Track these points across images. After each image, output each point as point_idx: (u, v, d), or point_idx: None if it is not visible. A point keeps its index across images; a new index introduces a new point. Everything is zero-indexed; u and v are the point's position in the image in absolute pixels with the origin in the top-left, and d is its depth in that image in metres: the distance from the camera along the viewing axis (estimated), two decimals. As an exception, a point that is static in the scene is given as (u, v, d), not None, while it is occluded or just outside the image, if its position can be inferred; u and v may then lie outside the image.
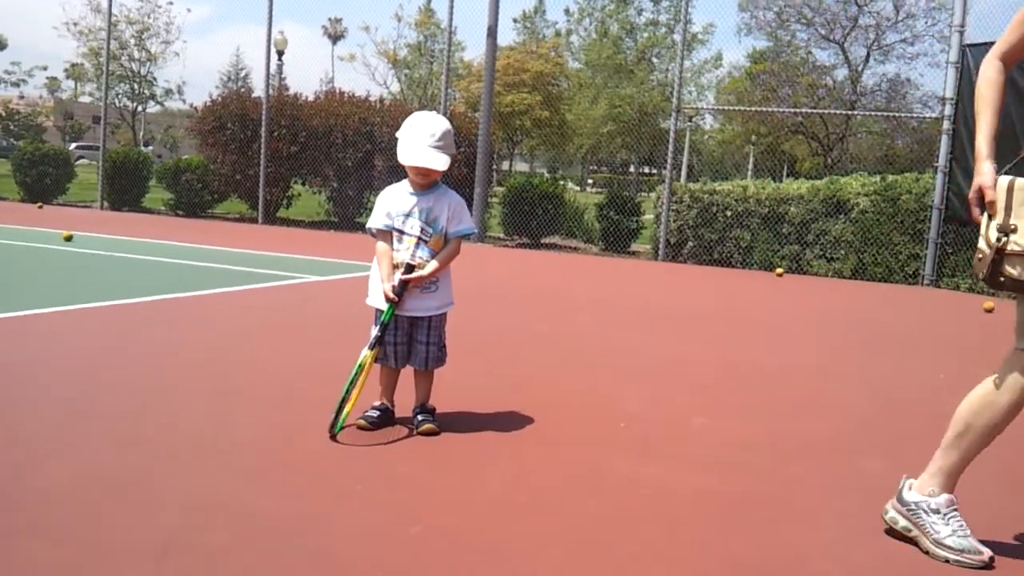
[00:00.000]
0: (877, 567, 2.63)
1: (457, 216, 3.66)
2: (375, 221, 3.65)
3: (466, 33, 72.11)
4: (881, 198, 11.16)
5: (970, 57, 10.66)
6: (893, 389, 5.15)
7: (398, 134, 3.59)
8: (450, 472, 3.20)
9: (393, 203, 3.62)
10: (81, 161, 32.09)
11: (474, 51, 41.45)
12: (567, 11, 44.00)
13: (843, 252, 11.37)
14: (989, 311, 8.68)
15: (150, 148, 41.85)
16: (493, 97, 14.75)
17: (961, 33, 10.90)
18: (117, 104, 35.63)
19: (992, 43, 2.90)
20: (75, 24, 34.77)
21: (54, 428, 3.40)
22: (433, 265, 3.57)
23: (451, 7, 14.21)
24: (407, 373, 3.74)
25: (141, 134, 44.42)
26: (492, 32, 14.23)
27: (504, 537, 2.66)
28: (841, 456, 3.74)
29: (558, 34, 45.98)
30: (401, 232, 3.59)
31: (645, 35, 40.64)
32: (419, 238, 3.58)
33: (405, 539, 2.59)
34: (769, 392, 4.89)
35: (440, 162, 3.50)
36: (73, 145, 45.63)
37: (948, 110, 10.97)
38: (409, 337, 3.65)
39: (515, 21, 47.90)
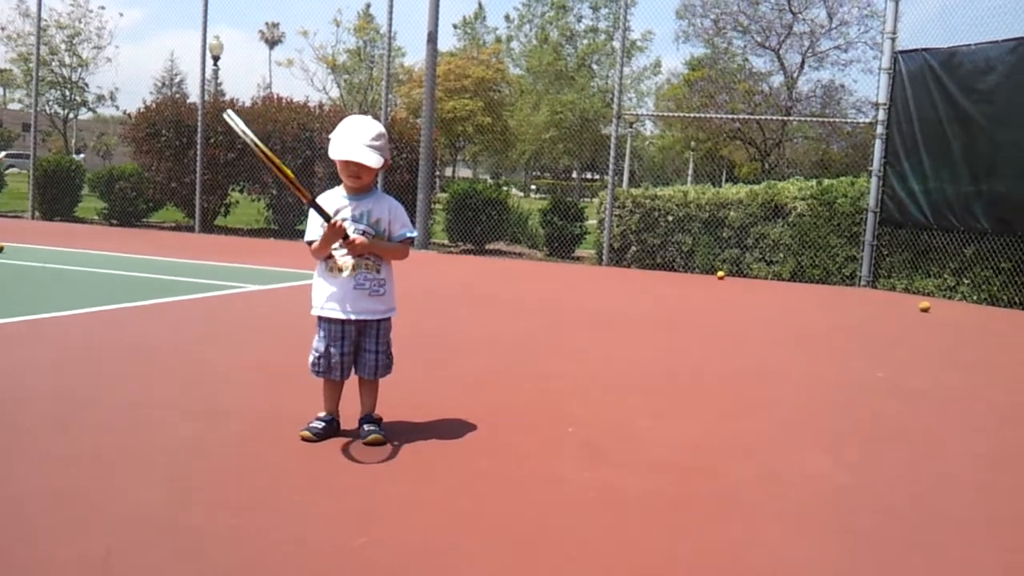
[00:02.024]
0: (816, 564, 2.64)
1: (399, 219, 3.60)
2: (312, 232, 3.54)
3: (406, 38, 71.59)
4: (818, 202, 11.35)
5: (902, 63, 10.89)
6: (832, 389, 5.22)
7: (331, 135, 3.50)
8: (396, 482, 3.15)
9: (327, 206, 3.48)
10: (11, 170, 31.20)
11: (414, 56, 41.47)
12: (507, 17, 44.28)
13: (782, 255, 11.53)
14: (925, 311, 8.87)
15: (82, 156, 40.89)
16: (435, 103, 14.69)
17: (893, 40, 11.13)
18: (48, 111, 34.77)
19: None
20: (3, 29, 33.94)
21: (-20, 445, 3.27)
22: (379, 242, 3.50)
23: (390, 12, 14.12)
24: (351, 384, 3.67)
25: (73, 141, 43.41)
26: (432, 38, 14.18)
27: (450, 545, 2.62)
28: (782, 455, 3.77)
29: (499, 40, 46.13)
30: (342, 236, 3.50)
31: (585, 42, 41.00)
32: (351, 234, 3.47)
33: (350, 551, 2.54)
34: (712, 393, 4.92)
35: (372, 159, 3.40)
36: (2, 154, 44.43)
37: (881, 115, 11.19)
38: (356, 347, 3.59)
39: (455, 27, 48.04)
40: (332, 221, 3.39)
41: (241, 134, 3.27)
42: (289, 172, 3.34)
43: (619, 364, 5.63)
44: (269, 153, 3.29)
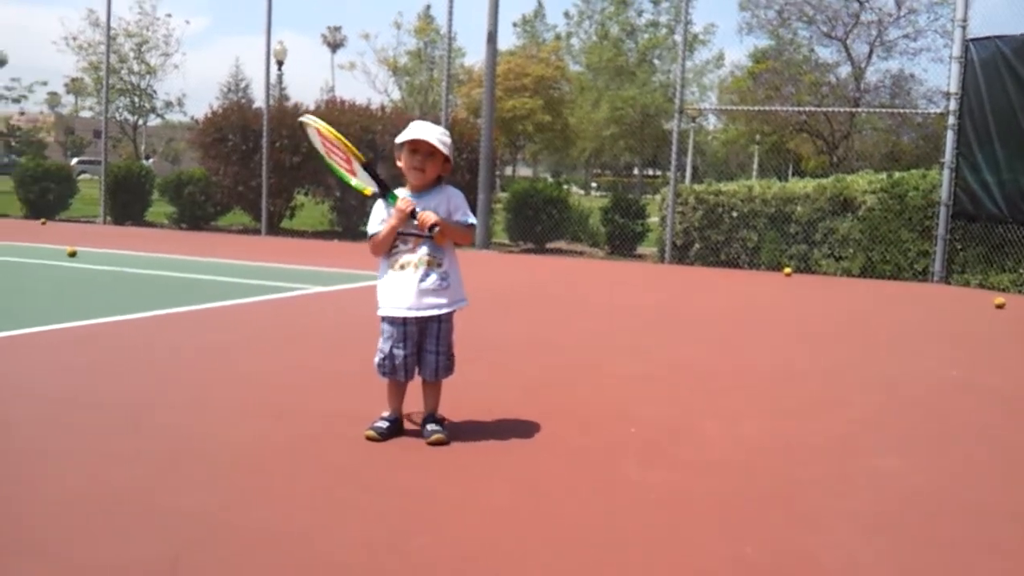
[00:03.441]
0: (886, 566, 2.57)
1: (459, 207, 3.62)
2: (373, 226, 3.60)
3: (466, 39, 72.28)
4: (888, 195, 11.08)
5: (973, 51, 10.58)
6: (904, 387, 5.08)
7: (398, 138, 3.56)
8: (458, 482, 3.15)
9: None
10: (83, 176, 32.14)
11: (474, 57, 41.50)
12: (567, 14, 44.09)
13: (851, 250, 11.28)
14: (1000, 307, 8.60)
15: (151, 161, 41.89)
16: (494, 102, 14.71)
17: (963, 28, 10.81)
18: (118, 118, 35.56)
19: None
20: (74, 38, 34.68)
21: (49, 444, 3.36)
22: (451, 226, 3.55)
23: (450, 13, 14.18)
24: (415, 384, 3.68)
25: (143, 147, 44.50)
26: (492, 37, 14.20)
27: (512, 546, 2.61)
28: (852, 456, 3.67)
29: (558, 37, 46.01)
30: (403, 233, 3.54)
31: (646, 36, 40.63)
32: (422, 236, 3.50)
33: (411, 549, 2.54)
34: (779, 393, 4.83)
35: (441, 145, 3.48)
36: (75, 160, 45.75)
37: (953, 105, 10.88)
38: (418, 347, 3.60)
39: (515, 25, 48.01)
40: (402, 199, 3.48)
41: (316, 133, 3.52)
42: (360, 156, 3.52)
43: (683, 363, 5.56)
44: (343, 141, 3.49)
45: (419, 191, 3.57)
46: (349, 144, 3.50)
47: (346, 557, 2.49)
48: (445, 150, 3.50)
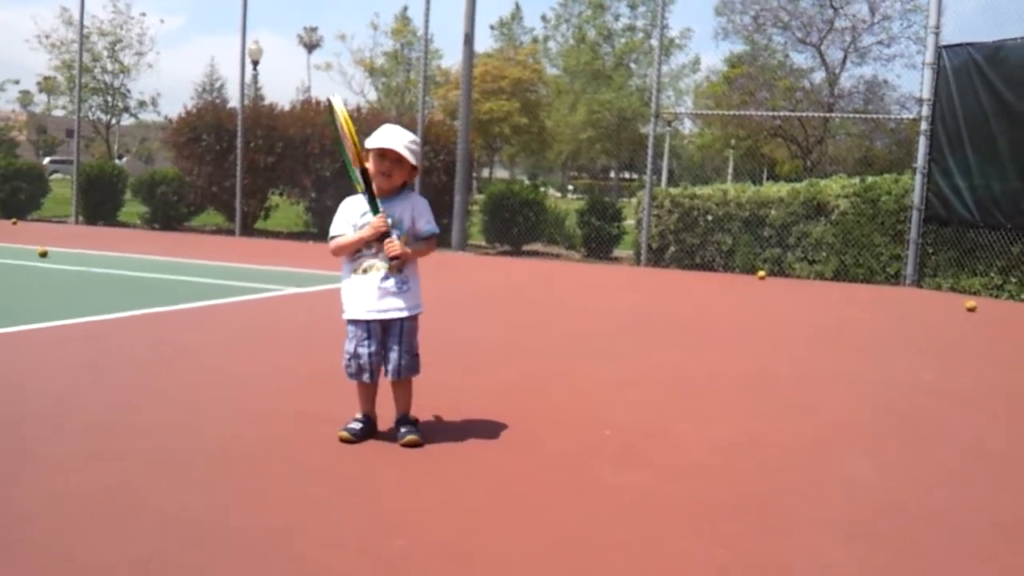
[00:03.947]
0: (860, 570, 2.58)
1: (423, 215, 3.64)
2: (337, 227, 3.62)
3: (443, 40, 72.20)
4: (861, 200, 11.17)
5: (946, 58, 10.69)
6: (877, 391, 5.11)
7: (367, 142, 3.55)
8: (433, 483, 3.13)
9: (356, 209, 3.59)
10: (55, 175, 31.78)
11: (451, 58, 41.49)
12: (544, 17, 44.26)
13: (824, 254, 11.37)
14: (971, 310, 8.69)
15: (124, 161, 41.49)
16: (471, 104, 14.70)
17: (936, 34, 10.92)
18: (91, 117, 35.24)
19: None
20: (47, 37, 34.39)
21: (26, 444, 3.31)
22: (416, 252, 3.58)
23: (427, 15, 14.17)
24: (385, 385, 3.67)
25: (116, 147, 44.08)
26: (469, 39, 14.19)
27: (488, 548, 2.60)
28: (826, 460, 3.69)
29: (535, 40, 46.10)
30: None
31: (622, 40, 40.77)
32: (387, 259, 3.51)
33: (387, 551, 2.53)
34: (753, 396, 4.84)
35: (408, 153, 3.48)
36: (47, 159, 45.24)
37: (926, 111, 10.99)
38: (382, 347, 3.59)
39: (492, 28, 48.07)
40: (380, 216, 3.46)
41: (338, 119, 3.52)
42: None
43: (658, 366, 5.57)
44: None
45: (385, 196, 3.57)
46: (357, 143, 3.49)
47: (321, 558, 2.47)
48: (412, 159, 3.51)
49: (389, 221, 3.50)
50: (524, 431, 3.84)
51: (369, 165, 3.54)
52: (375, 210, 3.49)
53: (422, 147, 13.87)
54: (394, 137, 3.50)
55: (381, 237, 3.47)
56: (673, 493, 3.15)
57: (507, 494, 3.08)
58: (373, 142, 3.51)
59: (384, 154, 3.51)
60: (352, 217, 3.58)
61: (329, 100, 3.59)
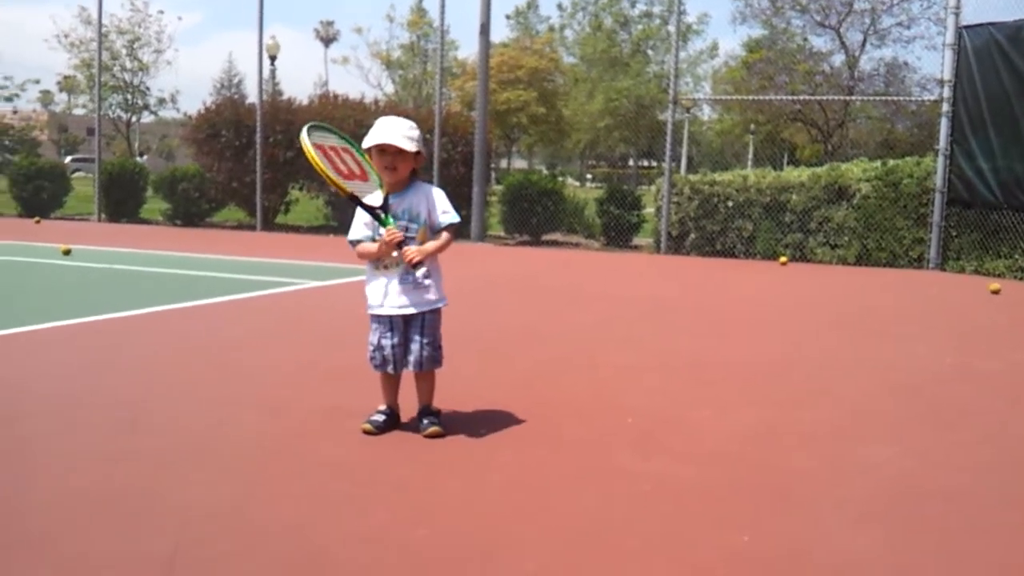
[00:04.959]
0: (879, 555, 2.58)
1: (439, 205, 3.60)
2: (355, 233, 3.60)
3: (459, 31, 72.21)
4: (883, 183, 11.08)
5: (967, 38, 10.57)
6: (899, 375, 5.09)
7: (364, 142, 3.53)
8: (455, 474, 3.15)
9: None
10: (77, 174, 32.02)
11: (468, 49, 41.58)
12: (560, 6, 43.91)
13: (847, 239, 11.29)
14: (996, 293, 8.61)
15: (145, 158, 41.75)
16: (488, 95, 14.68)
17: (957, 15, 10.80)
18: (111, 115, 35.44)
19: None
20: (66, 36, 34.54)
21: (48, 441, 3.36)
22: (431, 245, 3.53)
23: (443, 6, 14.15)
24: (408, 377, 3.69)
25: (136, 145, 44.37)
26: (485, 30, 14.17)
27: (508, 538, 2.61)
28: (844, 445, 3.68)
29: (551, 29, 45.90)
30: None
31: (639, 27, 40.53)
32: (405, 237, 3.48)
33: (409, 541, 2.55)
34: (774, 382, 4.84)
35: (406, 143, 3.43)
36: (68, 158, 45.59)
37: (947, 92, 10.87)
38: (405, 339, 3.60)
39: (508, 18, 47.89)
40: (389, 230, 3.41)
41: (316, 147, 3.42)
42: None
43: (678, 354, 5.57)
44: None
45: (395, 190, 3.54)
46: (334, 179, 3.43)
47: (344, 551, 2.49)
48: (413, 146, 3.46)
49: (403, 224, 3.48)
50: (543, 419, 3.86)
51: (372, 160, 3.52)
52: (386, 222, 3.44)
53: (440, 139, 13.94)
54: (389, 130, 3.45)
55: (398, 245, 3.44)
56: (693, 479, 3.16)
57: (527, 483, 3.09)
58: (370, 140, 3.48)
59: (384, 149, 3.47)
60: (368, 219, 3.55)
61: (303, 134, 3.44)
